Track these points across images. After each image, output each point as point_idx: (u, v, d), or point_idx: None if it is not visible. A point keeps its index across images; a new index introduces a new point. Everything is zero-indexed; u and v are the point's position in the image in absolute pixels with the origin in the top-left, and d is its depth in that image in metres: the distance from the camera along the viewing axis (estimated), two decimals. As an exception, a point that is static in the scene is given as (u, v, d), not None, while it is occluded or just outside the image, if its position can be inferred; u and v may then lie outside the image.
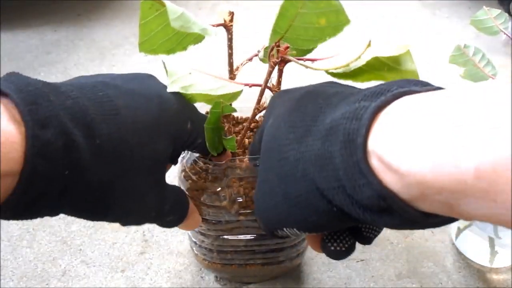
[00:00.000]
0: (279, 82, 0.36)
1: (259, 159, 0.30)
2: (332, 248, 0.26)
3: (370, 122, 0.18)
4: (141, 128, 0.25)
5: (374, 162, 0.18)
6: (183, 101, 0.30)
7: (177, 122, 0.29)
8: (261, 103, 0.36)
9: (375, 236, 0.26)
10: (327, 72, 0.31)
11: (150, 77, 0.30)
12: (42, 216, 0.23)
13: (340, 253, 0.26)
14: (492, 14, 0.42)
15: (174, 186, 0.32)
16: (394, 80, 0.21)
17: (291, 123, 0.24)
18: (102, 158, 0.23)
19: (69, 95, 0.22)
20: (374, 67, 0.28)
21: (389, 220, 0.19)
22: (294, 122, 0.24)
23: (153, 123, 0.26)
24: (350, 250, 0.26)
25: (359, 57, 0.27)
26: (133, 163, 0.25)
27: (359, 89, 0.24)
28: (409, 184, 0.17)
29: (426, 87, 0.20)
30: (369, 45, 0.26)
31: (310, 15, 0.29)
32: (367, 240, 0.26)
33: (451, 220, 0.19)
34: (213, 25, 0.34)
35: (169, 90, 0.30)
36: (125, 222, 0.28)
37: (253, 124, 0.44)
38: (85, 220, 0.28)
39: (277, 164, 0.24)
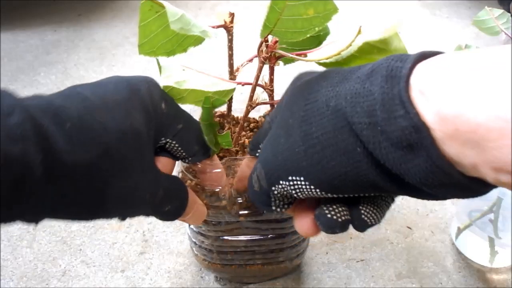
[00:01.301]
0: (271, 80, 0.36)
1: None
2: (329, 215, 0.25)
3: (415, 61, 0.20)
4: (112, 106, 0.25)
5: (414, 95, 0.19)
6: (154, 84, 0.30)
7: (149, 99, 0.28)
8: (253, 100, 0.36)
9: (371, 222, 0.25)
10: (318, 63, 0.31)
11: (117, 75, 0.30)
12: (22, 217, 0.23)
13: (336, 223, 0.25)
14: (494, 14, 0.42)
15: (170, 175, 0.31)
16: None
17: (325, 79, 0.24)
18: (76, 140, 0.23)
19: (33, 98, 0.24)
20: (365, 51, 0.28)
21: (413, 159, 0.19)
22: (327, 76, 0.24)
23: (125, 100, 0.26)
24: (344, 225, 0.25)
25: (350, 44, 0.27)
26: (112, 140, 0.25)
27: None
28: (446, 117, 0.17)
29: None
30: (359, 32, 0.27)
31: (298, 6, 0.29)
32: (361, 224, 0.25)
33: (464, 185, 0.19)
34: (213, 27, 0.34)
35: (162, 84, 0.29)
36: (121, 211, 0.27)
37: (252, 124, 0.44)
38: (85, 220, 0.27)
39: (303, 108, 0.24)
